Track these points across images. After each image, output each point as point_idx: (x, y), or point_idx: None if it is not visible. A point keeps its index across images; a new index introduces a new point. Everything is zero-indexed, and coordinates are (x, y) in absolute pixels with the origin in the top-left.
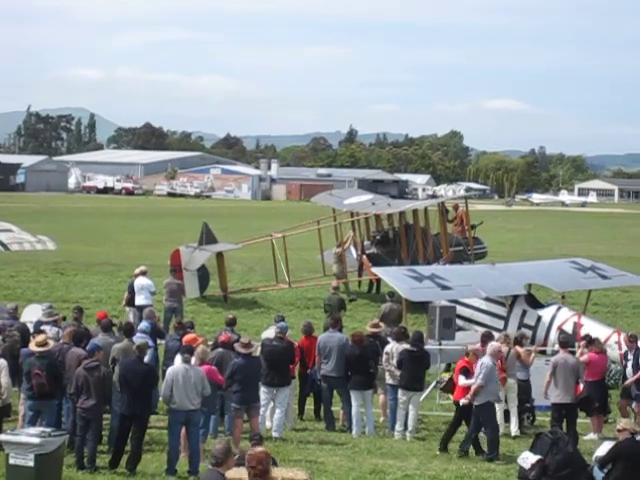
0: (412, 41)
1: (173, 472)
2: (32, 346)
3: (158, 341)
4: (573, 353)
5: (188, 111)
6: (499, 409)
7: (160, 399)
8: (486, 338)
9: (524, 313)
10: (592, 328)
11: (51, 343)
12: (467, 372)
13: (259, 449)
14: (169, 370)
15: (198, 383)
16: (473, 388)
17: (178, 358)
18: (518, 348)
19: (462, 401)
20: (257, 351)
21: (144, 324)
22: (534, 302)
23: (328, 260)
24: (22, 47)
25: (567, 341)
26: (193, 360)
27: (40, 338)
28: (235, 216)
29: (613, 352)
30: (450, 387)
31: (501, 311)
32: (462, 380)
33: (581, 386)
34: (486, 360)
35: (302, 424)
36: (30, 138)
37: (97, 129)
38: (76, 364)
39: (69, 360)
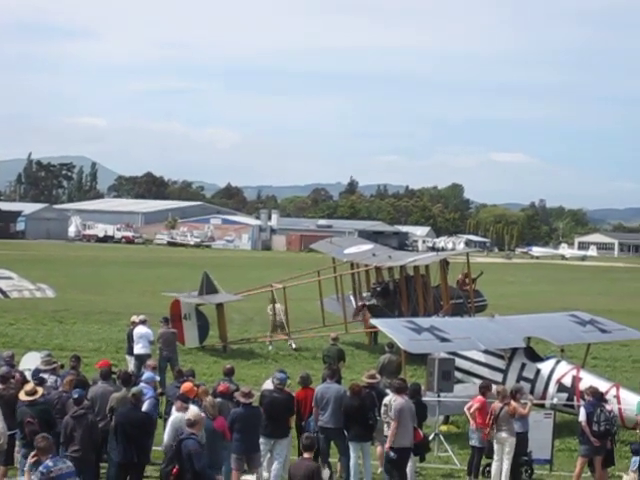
0: (413, 93)
1: None
2: (21, 396)
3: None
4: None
5: (189, 161)
6: (496, 462)
7: (160, 448)
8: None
9: (523, 366)
10: (591, 382)
11: (40, 391)
12: None
13: None
14: (172, 419)
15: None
16: None
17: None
18: (513, 403)
19: None
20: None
21: (149, 374)
22: (533, 355)
23: (327, 307)
24: (22, 95)
25: (402, 386)
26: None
27: (29, 387)
28: (235, 266)
29: (612, 407)
30: None
31: (500, 364)
32: None
33: (420, 432)
34: None
35: None
36: (31, 186)
37: (98, 178)
38: None
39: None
